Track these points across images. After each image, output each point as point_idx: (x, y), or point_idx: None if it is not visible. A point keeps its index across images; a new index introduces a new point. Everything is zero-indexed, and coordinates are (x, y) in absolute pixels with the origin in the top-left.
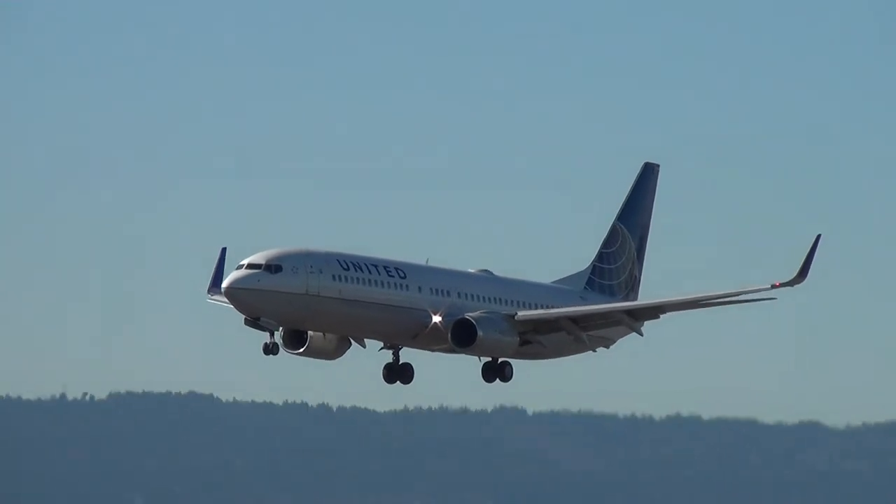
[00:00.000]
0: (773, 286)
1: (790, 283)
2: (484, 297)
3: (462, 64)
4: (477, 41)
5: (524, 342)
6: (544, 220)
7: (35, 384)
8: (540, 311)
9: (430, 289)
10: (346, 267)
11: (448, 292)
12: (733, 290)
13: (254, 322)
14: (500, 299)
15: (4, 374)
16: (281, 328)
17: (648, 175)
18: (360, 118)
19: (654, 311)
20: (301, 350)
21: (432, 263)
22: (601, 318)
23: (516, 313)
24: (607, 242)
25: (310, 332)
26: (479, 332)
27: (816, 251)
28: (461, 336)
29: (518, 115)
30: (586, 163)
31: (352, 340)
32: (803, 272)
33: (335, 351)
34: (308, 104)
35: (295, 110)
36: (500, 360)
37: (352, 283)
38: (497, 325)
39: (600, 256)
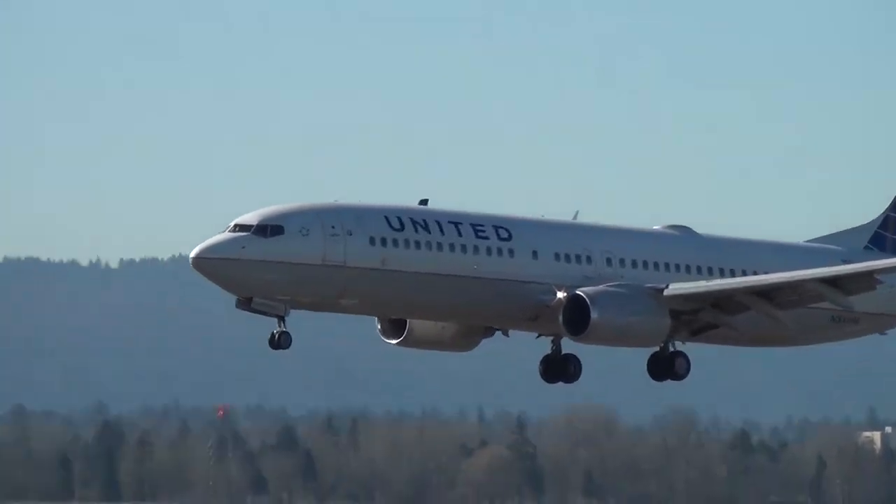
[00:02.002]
0: None
1: None
2: (653, 264)
3: None
4: None
5: (705, 325)
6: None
7: None
8: (693, 284)
9: (554, 253)
10: (397, 226)
11: (587, 258)
12: None
13: (247, 303)
14: (682, 266)
15: None
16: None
17: None
18: None
19: (867, 281)
20: (398, 340)
21: (591, 220)
22: (791, 291)
23: (666, 286)
24: None
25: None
26: (594, 314)
27: None
28: (573, 319)
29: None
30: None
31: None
32: None
33: (456, 340)
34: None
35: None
36: (670, 349)
37: (406, 249)
38: (628, 302)
39: None
